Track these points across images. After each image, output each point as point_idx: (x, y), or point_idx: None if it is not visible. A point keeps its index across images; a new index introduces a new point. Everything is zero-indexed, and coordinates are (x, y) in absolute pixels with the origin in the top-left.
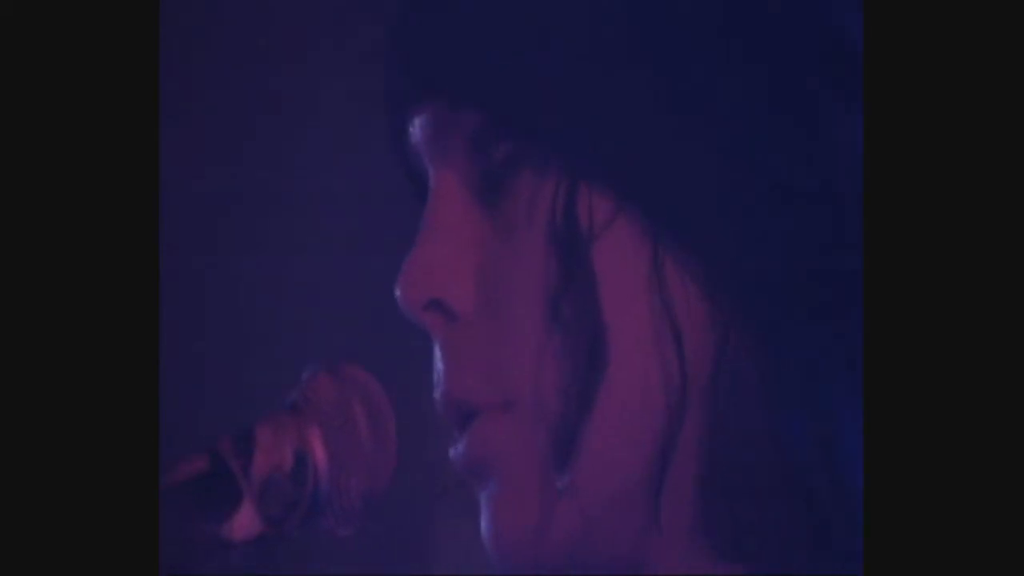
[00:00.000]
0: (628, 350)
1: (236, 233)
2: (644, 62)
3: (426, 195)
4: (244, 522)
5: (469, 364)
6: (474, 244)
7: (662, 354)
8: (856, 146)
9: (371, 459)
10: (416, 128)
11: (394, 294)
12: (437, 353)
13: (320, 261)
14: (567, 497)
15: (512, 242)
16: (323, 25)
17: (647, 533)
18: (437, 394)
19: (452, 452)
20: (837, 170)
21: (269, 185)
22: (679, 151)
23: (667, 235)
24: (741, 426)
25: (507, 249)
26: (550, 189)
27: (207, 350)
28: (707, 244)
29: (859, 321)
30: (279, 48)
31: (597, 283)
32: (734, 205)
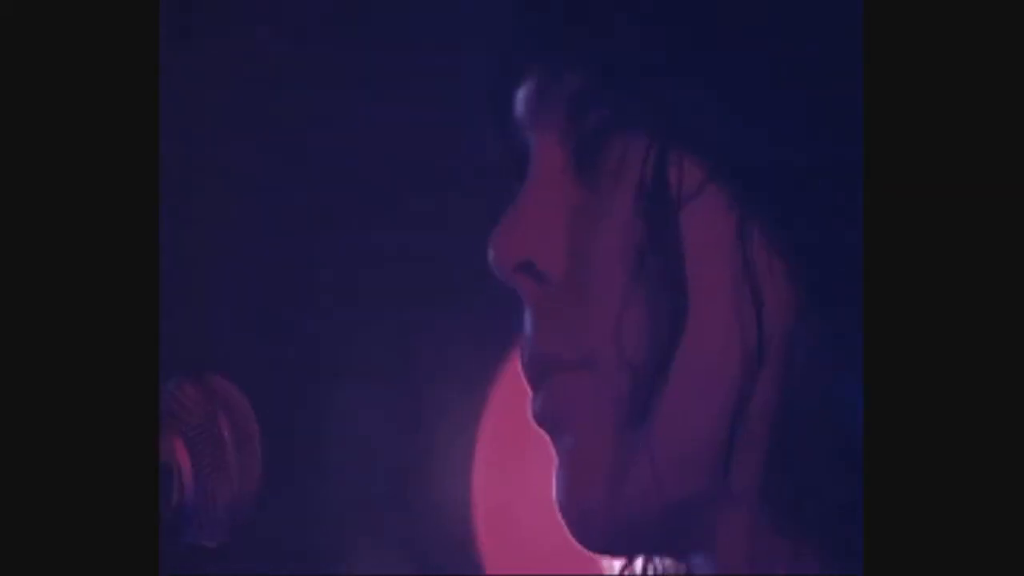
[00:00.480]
0: (708, 310)
1: (237, 232)
2: (755, 35)
3: (521, 172)
4: None
5: (555, 325)
6: (567, 208)
7: (741, 320)
8: None
9: (236, 472)
10: (520, 100)
11: (487, 256)
12: (527, 315)
13: (321, 260)
14: (643, 452)
15: (600, 203)
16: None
17: (715, 495)
18: (525, 356)
19: (531, 407)
20: None
21: (270, 185)
22: (776, 126)
23: (755, 208)
24: (812, 397)
25: (596, 210)
26: (641, 152)
27: (207, 349)
28: (795, 221)
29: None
30: (282, 46)
31: (682, 245)
32: (824, 184)
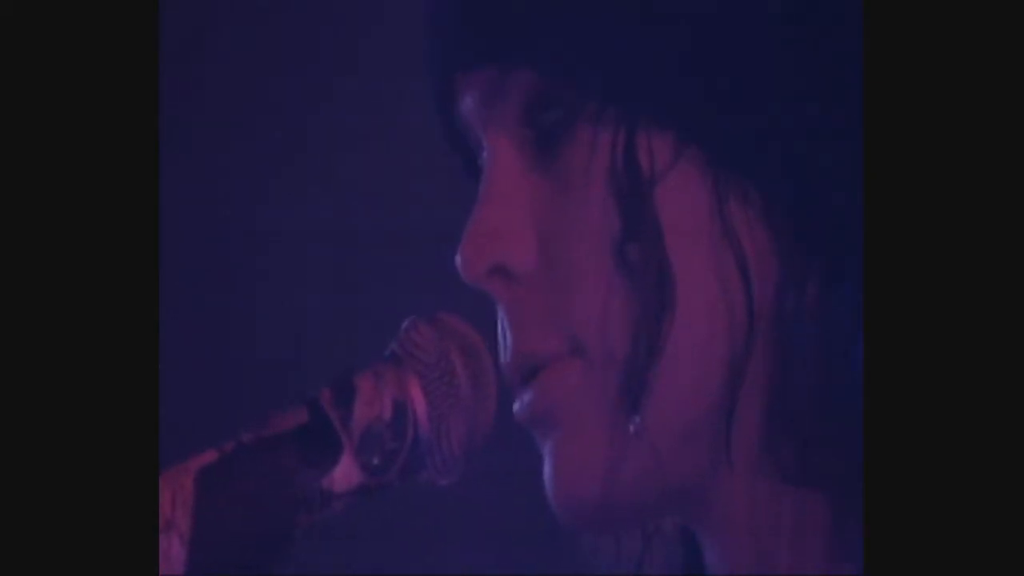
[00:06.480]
0: (695, 288)
1: (236, 233)
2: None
3: (473, 167)
4: (344, 473)
5: (536, 321)
6: (533, 204)
7: (728, 289)
8: None
9: (471, 409)
10: (467, 98)
11: (455, 262)
12: (503, 317)
13: (322, 261)
14: (640, 438)
15: (572, 196)
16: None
17: (716, 466)
18: (507, 357)
19: (516, 405)
20: None
21: (270, 183)
22: (734, 84)
23: (728, 168)
24: (806, 353)
25: (568, 204)
26: (608, 139)
27: (207, 350)
28: (766, 173)
29: None
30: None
31: (661, 225)
32: (788, 133)
